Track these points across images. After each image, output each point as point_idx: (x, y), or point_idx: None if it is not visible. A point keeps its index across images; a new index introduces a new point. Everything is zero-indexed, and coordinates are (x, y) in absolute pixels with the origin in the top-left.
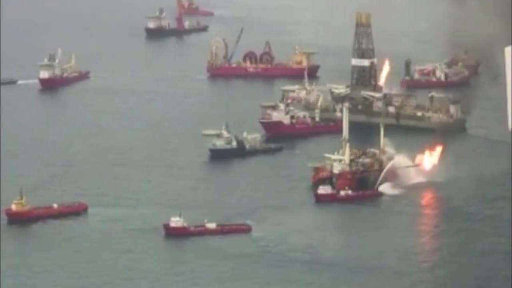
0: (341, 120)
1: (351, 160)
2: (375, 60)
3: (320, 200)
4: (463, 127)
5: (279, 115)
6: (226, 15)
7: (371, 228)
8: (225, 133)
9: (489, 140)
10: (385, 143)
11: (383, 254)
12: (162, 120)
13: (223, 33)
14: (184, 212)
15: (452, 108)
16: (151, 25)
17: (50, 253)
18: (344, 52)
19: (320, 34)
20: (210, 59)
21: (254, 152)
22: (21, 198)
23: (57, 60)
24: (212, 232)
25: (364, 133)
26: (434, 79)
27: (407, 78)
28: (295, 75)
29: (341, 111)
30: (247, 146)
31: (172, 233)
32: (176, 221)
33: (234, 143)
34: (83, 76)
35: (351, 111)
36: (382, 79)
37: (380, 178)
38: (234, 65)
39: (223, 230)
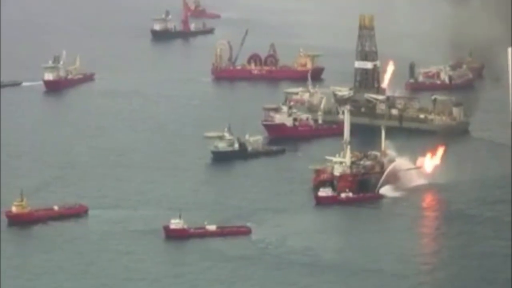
0: (343, 123)
1: (352, 163)
2: (378, 63)
3: (321, 202)
4: (466, 129)
5: (281, 117)
6: (233, 18)
7: (371, 231)
8: (227, 135)
9: (492, 143)
10: (386, 146)
11: (382, 256)
12: (166, 122)
13: (229, 36)
14: (185, 214)
15: (455, 111)
16: (157, 27)
17: (50, 255)
18: (349, 54)
19: (325, 37)
20: (214, 62)
21: (256, 154)
22: (22, 200)
23: (61, 62)
24: (212, 234)
25: (367, 136)
26: (438, 82)
27: (412, 80)
28: (300, 78)
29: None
30: (249, 148)
31: (172, 235)
32: (176, 223)
33: (236, 145)
34: (88, 78)
35: (354, 113)
36: (385, 82)
37: (381, 180)
38: (238, 68)
39: (223, 232)
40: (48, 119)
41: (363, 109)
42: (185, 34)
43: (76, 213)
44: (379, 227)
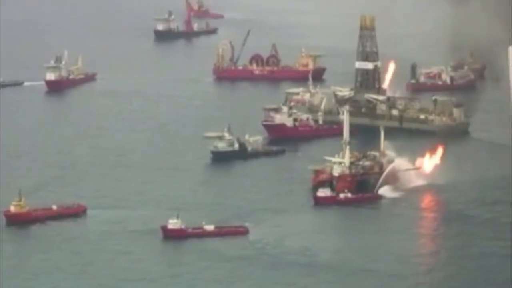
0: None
1: (351, 163)
2: (379, 63)
3: (319, 202)
4: (466, 130)
5: (282, 118)
6: (236, 18)
7: (369, 231)
8: (227, 135)
9: (492, 143)
10: (385, 146)
11: (381, 257)
12: (166, 122)
13: (232, 36)
14: (184, 214)
15: (455, 111)
16: (160, 27)
17: (48, 255)
18: (351, 54)
19: (328, 37)
20: (216, 62)
21: (256, 155)
22: (20, 200)
23: (63, 62)
24: (209, 234)
25: (367, 136)
26: (439, 83)
27: (413, 81)
28: (301, 78)
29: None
30: (249, 149)
31: (170, 235)
32: (174, 223)
33: (236, 146)
34: (89, 78)
35: (355, 114)
36: (386, 82)
37: (380, 181)
38: (240, 68)
39: (221, 232)
40: (49, 119)
41: (363, 110)
42: (188, 34)
43: (75, 213)
44: (378, 228)
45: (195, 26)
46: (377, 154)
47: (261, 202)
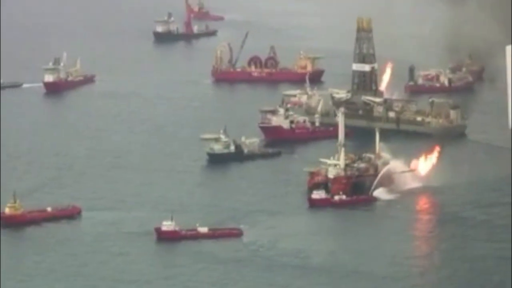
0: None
1: (346, 165)
2: (375, 65)
3: (314, 204)
4: (463, 132)
5: (278, 120)
6: (237, 20)
7: (363, 233)
8: (223, 137)
9: (489, 145)
10: (380, 148)
11: (374, 259)
12: (164, 124)
13: (232, 38)
14: (179, 216)
15: (452, 113)
16: (160, 29)
17: (43, 256)
18: (350, 56)
19: (328, 39)
20: (214, 64)
21: (252, 157)
22: (15, 202)
23: (62, 64)
24: (203, 236)
25: (364, 138)
26: (437, 85)
27: (411, 83)
28: (300, 80)
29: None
30: (245, 151)
31: (164, 237)
32: (167, 225)
33: (232, 148)
34: (88, 80)
35: (352, 116)
36: (383, 84)
37: (375, 183)
38: (238, 70)
39: (215, 234)
40: (47, 121)
41: (360, 112)
42: (188, 36)
43: (70, 215)
44: (372, 230)
45: (195, 28)
46: (372, 156)
47: (256, 204)
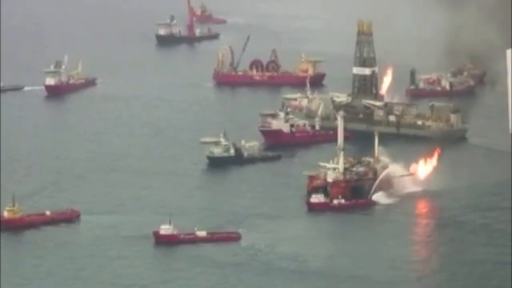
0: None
1: (345, 169)
2: (376, 69)
3: (313, 208)
4: (463, 136)
5: (278, 124)
6: (239, 23)
7: (361, 237)
8: (223, 141)
9: (489, 149)
10: (380, 152)
11: (372, 263)
12: (165, 127)
13: (234, 41)
14: (178, 219)
15: (452, 117)
16: (162, 32)
17: (41, 260)
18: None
19: (330, 42)
20: (216, 67)
21: (252, 160)
22: (13, 205)
23: (63, 67)
24: (202, 240)
25: (364, 142)
26: (439, 88)
27: (412, 87)
28: (301, 83)
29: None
30: (245, 154)
31: (162, 241)
32: (165, 229)
33: (232, 151)
34: (89, 83)
35: (352, 119)
36: (384, 88)
37: (374, 187)
38: (240, 73)
39: (213, 238)
40: (48, 124)
41: (361, 115)
42: (190, 39)
43: (68, 218)
44: (371, 234)
45: (197, 31)
46: (371, 160)
47: (255, 208)
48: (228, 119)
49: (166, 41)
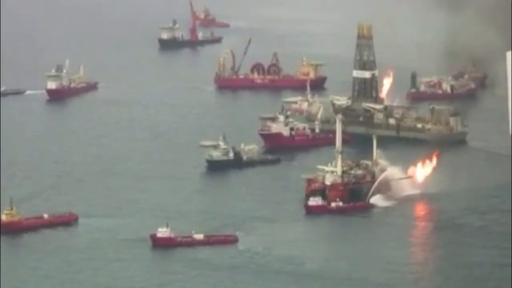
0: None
1: (343, 172)
2: (376, 72)
3: (311, 211)
4: (463, 139)
5: (278, 127)
6: (242, 27)
7: (359, 240)
8: (222, 144)
9: (489, 152)
10: (378, 155)
11: (370, 266)
12: (166, 130)
13: (237, 45)
14: (176, 222)
15: (452, 120)
16: (165, 36)
17: (39, 263)
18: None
19: (333, 45)
20: (217, 71)
21: (251, 164)
22: (12, 208)
23: (64, 71)
24: (199, 243)
25: (364, 145)
26: (440, 91)
27: (413, 90)
28: (302, 87)
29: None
30: (244, 158)
31: (159, 244)
32: (163, 232)
33: (231, 154)
34: (91, 87)
35: (352, 123)
36: (384, 91)
37: (372, 190)
38: (241, 77)
39: (210, 241)
40: (49, 128)
41: (361, 119)
42: (193, 43)
43: (66, 221)
44: (368, 237)
45: (200, 35)
46: (369, 163)
47: (254, 211)
48: (229, 123)
49: (169, 45)
